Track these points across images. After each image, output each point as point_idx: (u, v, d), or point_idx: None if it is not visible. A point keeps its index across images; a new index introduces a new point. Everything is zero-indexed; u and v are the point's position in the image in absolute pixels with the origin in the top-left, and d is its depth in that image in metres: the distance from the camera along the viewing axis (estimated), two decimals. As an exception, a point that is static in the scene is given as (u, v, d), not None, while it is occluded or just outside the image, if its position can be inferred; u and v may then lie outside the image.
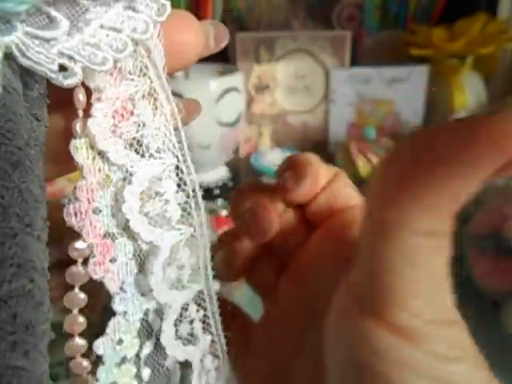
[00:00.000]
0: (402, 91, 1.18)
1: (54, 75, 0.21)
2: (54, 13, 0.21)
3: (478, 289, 0.75)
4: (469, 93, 1.10)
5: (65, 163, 0.23)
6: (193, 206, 0.25)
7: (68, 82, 0.21)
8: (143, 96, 0.24)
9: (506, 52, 1.11)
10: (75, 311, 0.23)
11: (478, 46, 1.06)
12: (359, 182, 1.18)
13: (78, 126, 0.22)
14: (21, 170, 0.19)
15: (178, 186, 0.25)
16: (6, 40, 0.20)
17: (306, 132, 1.25)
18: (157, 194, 0.24)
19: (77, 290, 0.23)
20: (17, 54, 0.20)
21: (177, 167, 0.25)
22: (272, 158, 1.12)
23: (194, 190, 0.25)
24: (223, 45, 0.26)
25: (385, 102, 1.20)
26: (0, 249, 0.18)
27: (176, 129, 0.24)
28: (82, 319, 0.23)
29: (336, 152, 1.18)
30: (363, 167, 1.11)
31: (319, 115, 1.24)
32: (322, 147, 1.23)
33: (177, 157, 0.25)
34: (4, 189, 0.18)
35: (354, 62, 1.21)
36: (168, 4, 0.23)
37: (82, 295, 0.23)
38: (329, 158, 1.27)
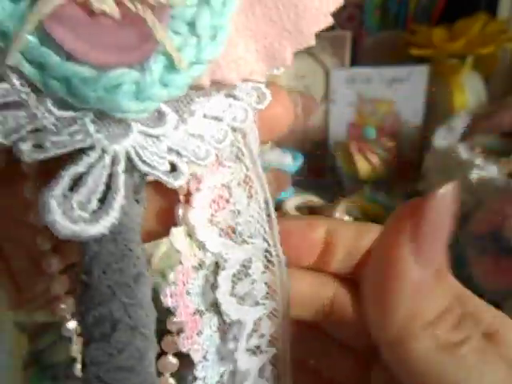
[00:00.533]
0: (402, 91, 1.18)
1: (166, 178, 0.22)
2: (163, 107, 0.22)
3: (478, 289, 0.75)
4: (469, 93, 1.10)
5: (154, 237, 0.24)
6: (278, 283, 0.26)
7: (178, 183, 0.22)
8: (238, 183, 0.24)
9: (506, 52, 1.11)
10: (167, 375, 0.25)
11: (478, 46, 1.06)
12: (359, 181, 1.17)
13: (180, 212, 0.23)
14: (141, 281, 0.21)
15: (266, 266, 0.26)
16: (125, 144, 0.21)
17: (306, 132, 1.25)
18: (246, 275, 0.25)
19: (170, 356, 0.25)
20: (134, 157, 0.21)
21: (265, 249, 0.26)
22: (272, 157, 1.12)
23: (280, 270, 0.26)
24: (312, 116, 0.26)
25: (385, 102, 1.20)
26: (131, 375, 0.19)
27: (268, 215, 0.25)
28: (172, 382, 0.25)
29: (336, 152, 1.18)
30: (363, 167, 1.11)
31: (319, 115, 1.24)
32: (322, 147, 1.24)
33: (267, 241, 0.25)
34: (130, 307, 0.20)
35: (354, 62, 1.21)
36: (268, 92, 0.23)
37: (175, 361, 0.25)
38: (329, 158, 1.27)
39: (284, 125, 0.25)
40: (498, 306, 0.71)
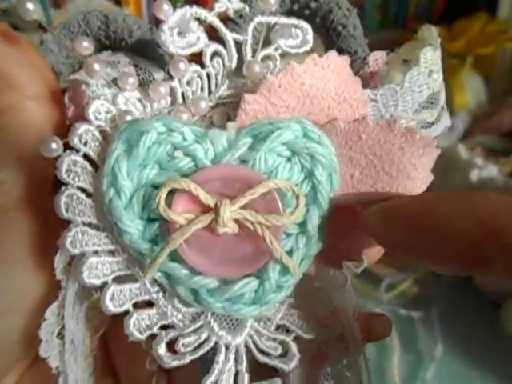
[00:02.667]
0: (403, 91, 1.18)
1: (282, 365, 0.25)
2: None
3: (479, 289, 0.77)
4: (469, 93, 1.11)
5: None
6: None
7: (292, 366, 0.25)
8: (336, 338, 0.27)
9: (506, 52, 1.11)
10: None
11: (478, 46, 1.07)
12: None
13: None
14: None
15: None
16: (244, 335, 0.25)
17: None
18: None
19: None
20: (252, 348, 0.25)
21: None
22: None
23: None
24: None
25: (386, 102, 1.20)
26: None
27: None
28: None
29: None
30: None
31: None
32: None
33: None
34: None
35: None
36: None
37: None
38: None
39: None
40: (498, 306, 0.72)
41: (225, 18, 0.27)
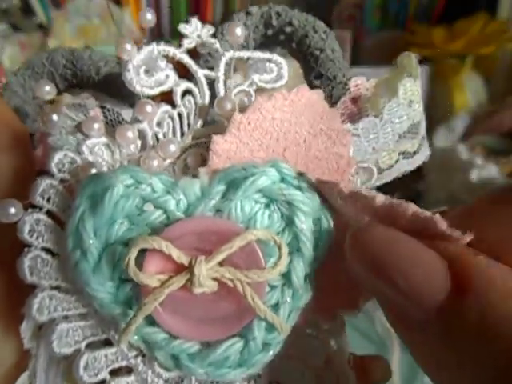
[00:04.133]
0: (403, 92, 1.17)
1: None
2: None
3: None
4: (469, 93, 1.10)
5: None
6: None
7: None
8: None
9: (506, 52, 1.10)
10: None
11: (478, 46, 1.06)
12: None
13: None
14: None
15: None
16: None
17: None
18: None
19: None
20: None
21: None
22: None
23: None
24: None
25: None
26: None
27: None
28: None
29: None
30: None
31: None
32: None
33: None
34: None
35: (354, 61, 1.20)
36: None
37: None
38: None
39: None
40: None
41: (195, 54, 0.26)
